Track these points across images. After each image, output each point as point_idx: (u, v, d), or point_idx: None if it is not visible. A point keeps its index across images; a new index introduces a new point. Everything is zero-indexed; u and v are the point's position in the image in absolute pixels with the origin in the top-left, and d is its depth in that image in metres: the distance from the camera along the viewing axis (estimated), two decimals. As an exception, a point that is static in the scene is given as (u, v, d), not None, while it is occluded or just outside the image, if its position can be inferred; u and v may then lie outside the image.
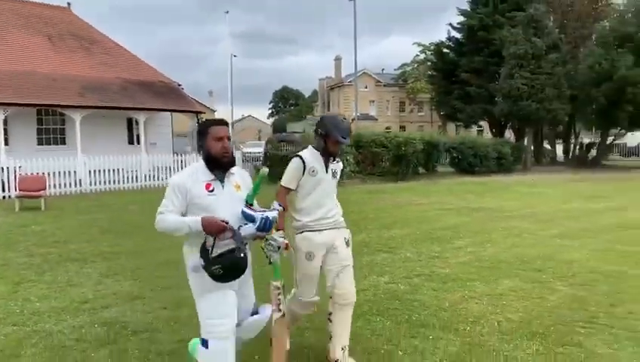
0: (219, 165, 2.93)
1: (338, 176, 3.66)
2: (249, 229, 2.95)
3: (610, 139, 25.79)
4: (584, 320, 4.42)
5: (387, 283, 5.66)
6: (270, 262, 3.25)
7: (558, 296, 5.13)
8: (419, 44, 55.49)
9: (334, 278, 3.51)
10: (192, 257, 2.92)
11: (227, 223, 2.80)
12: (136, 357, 3.89)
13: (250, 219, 2.97)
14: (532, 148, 25.55)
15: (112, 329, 4.47)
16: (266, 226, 2.96)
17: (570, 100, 23.30)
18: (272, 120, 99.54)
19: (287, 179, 3.49)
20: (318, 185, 3.49)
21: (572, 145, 27.16)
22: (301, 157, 3.49)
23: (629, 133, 29.09)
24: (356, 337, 3.95)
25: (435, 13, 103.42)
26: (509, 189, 15.84)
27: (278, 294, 3.28)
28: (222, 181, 2.96)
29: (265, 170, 3.24)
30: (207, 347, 2.90)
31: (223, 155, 2.92)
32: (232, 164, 3.00)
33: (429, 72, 38.92)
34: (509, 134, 29.76)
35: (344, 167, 22.76)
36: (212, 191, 2.92)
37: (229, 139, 2.99)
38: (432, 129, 44.96)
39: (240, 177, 3.10)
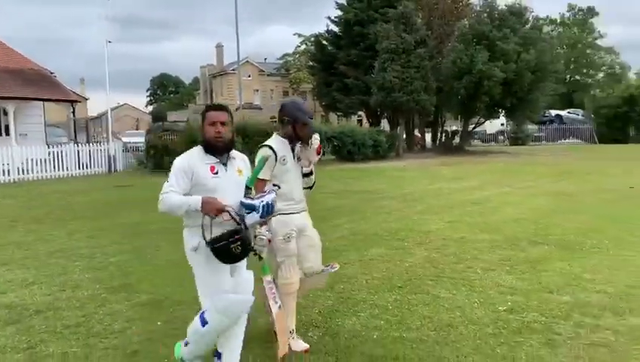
0: (214, 149, 3.03)
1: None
2: (253, 218, 3.06)
3: (471, 127, 28.60)
4: (433, 275, 5.44)
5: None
6: (260, 258, 3.33)
7: (415, 258, 6.15)
8: (299, 35, 56.78)
9: (304, 260, 3.71)
10: (191, 240, 3.05)
11: (227, 207, 2.93)
12: (44, 331, 4.21)
13: (250, 207, 3.06)
14: (404, 136, 27.63)
15: (13, 310, 4.70)
16: (268, 211, 3.09)
17: (436, 92, 25.53)
18: (150, 108, 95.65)
19: (262, 171, 3.47)
20: (288, 172, 3.60)
21: (439, 133, 29.74)
22: (271, 148, 3.55)
23: (487, 122, 32.35)
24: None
25: (316, 3, 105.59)
26: (383, 174, 17.27)
27: (272, 288, 3.42)
28: (225, 165, 3.08)
29: (268, 152, 3.47)
30: (203, 326, 3.01)
31: (216, 140, 3.01)
32: (228, 148, 3.11)
33: (310, 63, 40.09)
34: (384, 123, 31.79)
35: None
36: (217, 173, 3.04)
37: (223, 124, 3.04)
38: (315, 118, 46.39)
39: (242, 161, 3.24)
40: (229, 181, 3.05)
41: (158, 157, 19.72)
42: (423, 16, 26.29)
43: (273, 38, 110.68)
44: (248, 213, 3.04)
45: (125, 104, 74.90)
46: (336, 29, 32.28)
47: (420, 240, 7.06)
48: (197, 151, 3.09)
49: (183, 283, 5.36)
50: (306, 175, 3.76)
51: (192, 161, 3.03)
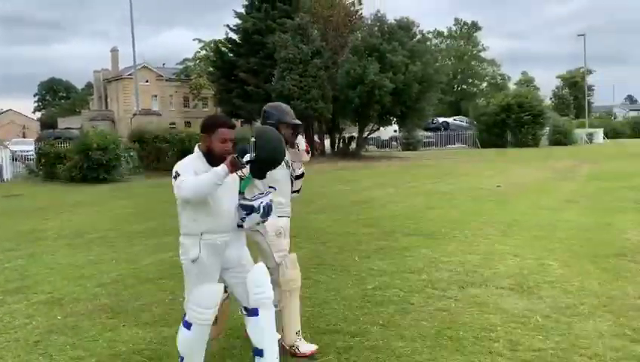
0: (218, 163, 3.01)
1: (291, 167, 3.86)
2: (254, 218, 3.19)
3: (366, 134, 30.18)
4: (317, 264, 6.17)
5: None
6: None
7: (303, 251, 6.80)
8: (199, 41, 56.36)
9: (283, 266, 3.76)
10: (193, 249, 3.11)
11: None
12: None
13: (249, 209, 3.17)
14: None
15: None
16: (268, 211, 3.24)
17: (332, 100, 26.76)
18: (39, 114, 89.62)
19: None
20: (277, 176, 3.65)
21: (337, 139, 31.07)
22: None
23: (381, 128, 34.18)
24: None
25: (217, 9, 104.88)
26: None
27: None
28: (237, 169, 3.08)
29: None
30: (189, 329, 3.18)
31: (224, 156, 3.02)
32: None
33: (210, 70, 40.09)
34: (285, 130, 32.56)
35: (130, 163, 22.19)
36: None
37: (231, 140, 3.15)
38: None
39: None
40: (228, 187, 3.11)
41: (49, 166, 19.06)
42: (319, 28, 27.43)
43: (172, 43, 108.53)
44: (248, 215, 3.16)
45: (10, 110, 69.94)
46: (235, 36, 32.69)
47: (309, 236, 7.78)
48: (199, 160, 3.14)
49: (82, 281, 5.69)
50: (298, 177, 3.96)
51: (197, 167, 3.08)
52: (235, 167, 2.95)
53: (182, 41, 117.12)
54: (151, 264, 6.42)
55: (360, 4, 29.42)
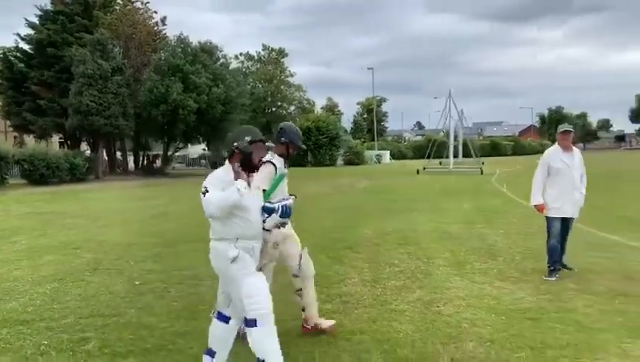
0: (250, 171, 3.46)
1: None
2: (274, 219, 3.56)
3: (172, 152, 30.52)
4: (92, 269, 6.83)
5: None
6: None
7: (82, 260, 7.43)
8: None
9: (304, 257, 4.27)
10: (231, 250, 3.34)
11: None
12: None
13: (269, 211, 3.54)
14: (106, 159, 27.88)
15: None
16: (287, 213, 3.57)
17: (135, 117, 26.67)
18: None
19: (264, 182, 3.86)
20: (283, 186, 4.12)
21: (142, 157, 30.81)
22: (273, 164, 4.05)
23: (190, 146, 34.73)
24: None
25: (5, 13, 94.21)
26: (77, 196, 17.61)
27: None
28: (249, 183, 3.42)
29: (285, 170, 4.01)
30: (256, 325, 3.30)
31: (257, 167, 3.53)
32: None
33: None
34: (85, 146, 31.24)
35: None
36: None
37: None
38: (7, 139, 41.87)
39: (255, 178, 3.62)
40: (252, 195, 3.43)
41: None
42: (120, 45, 27.20)
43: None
44: (269, 215, 3.53)
45: None
46: (27, 47, 30.44)
47: (92, 248, 8.32)
48: (226, 171, 3.45)
49: None
50: None
51: (227, 178, 3.38)
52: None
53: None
54: None
55: (164, 24, 29.81)
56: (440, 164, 32.94)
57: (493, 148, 68.06)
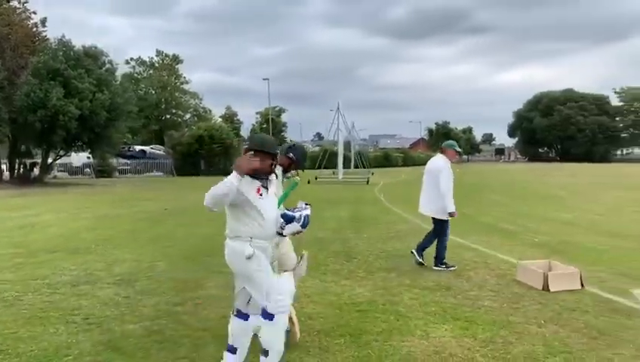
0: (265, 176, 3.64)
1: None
2: (294, 227, 3.67)
3: (52, 159, 28.83)
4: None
5: None
6: None
7: None
8: None
9: (304, 261, 4.34)
10: (245, 249, 3.51)
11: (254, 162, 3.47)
12: None
13: (289, 218, 3.64)
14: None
15: None
16: (306, 222, 3.70)
17: (10, 123, 24.99)
18: None
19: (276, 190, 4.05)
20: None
21: (17, 165, 28.81)
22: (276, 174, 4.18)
23: (74, 154, 32.97)
24: None
25: None
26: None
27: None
28: (266, 188, 3.64)
29: (297, 178, 4.11)
30: (272, 319, 3.51)
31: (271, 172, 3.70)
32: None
33: None
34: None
35: None
36: (261, 195, 3.59)
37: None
38: None
39: (274, 183, 3.79)
40: (269, 199, 3.68)
41: None
42: (-6, 45, 25.40)
43: None
44: (288, 224, 3.65)
45: None
46: None
47: None
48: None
49: None
50: None
51: (243, 182, 3.49)
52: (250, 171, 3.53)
53: None
54: None
55: (44, 26, 28.28)
56: (333, 173, 34.07)
57: (386, 159, 71.21)
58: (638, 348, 4.29)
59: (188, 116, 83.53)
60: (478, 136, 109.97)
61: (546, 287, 5.93)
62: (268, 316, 3.52)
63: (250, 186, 3.54)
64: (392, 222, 12.12)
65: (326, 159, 36.90)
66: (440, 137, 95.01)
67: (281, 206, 3.98)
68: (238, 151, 43.07)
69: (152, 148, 45.54)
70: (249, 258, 3.49)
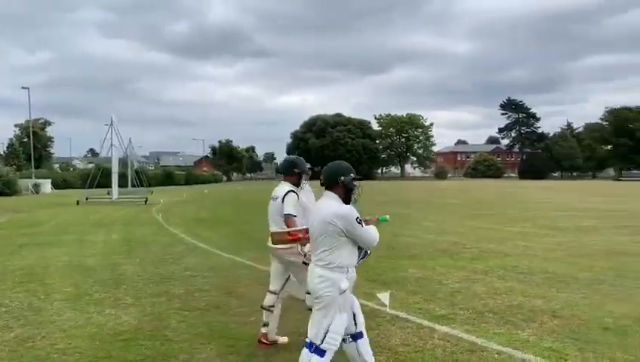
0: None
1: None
2: (365, 259, 3.72)
3: None
4: None
5: None
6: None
7: None
8: None
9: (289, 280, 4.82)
10: (343, 282, 3.43)
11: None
12: None
13: (365, 252, 3.68)
14: None
15: None
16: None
17: None
18: None
19: (294, 209, 4.52)
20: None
21: None
22: (295, 192, 4.65)
23: None
24: None
25: None
26: None
27: None
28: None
29: (387, 216, 4.06)
30: (322, 356, 3.42)
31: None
32: None
33: None
34: None
35: None
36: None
37: None
38: None
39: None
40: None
41: None
42: None
43: None
44: (364, 256, 3.70)
45: None
46: None
47: None
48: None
49: None
50: None
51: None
52: None
53: None
54: None
55: None
56: (108, 193, 31.66)
57: (167, 178, 69.14)
58: (390, 348, 4.84)
59: None
60: (260, 154, 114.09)
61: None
62: (317, 350, 3.46)
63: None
64: (169, 244, 11.82)
65: (99, 177, 34.19)
66: (224, 155, 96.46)
67: None
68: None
69: None
70: (342, 293, 3.46)
